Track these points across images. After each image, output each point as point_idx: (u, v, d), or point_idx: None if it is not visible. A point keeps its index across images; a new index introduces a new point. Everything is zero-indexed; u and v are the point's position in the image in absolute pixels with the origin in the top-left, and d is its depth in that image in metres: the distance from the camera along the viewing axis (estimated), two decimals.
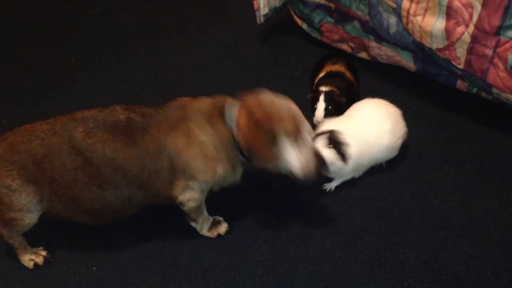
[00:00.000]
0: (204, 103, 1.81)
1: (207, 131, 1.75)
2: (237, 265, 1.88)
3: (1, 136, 1.80)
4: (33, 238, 1.98)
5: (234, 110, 1.75)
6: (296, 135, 1.70)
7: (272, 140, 1.68)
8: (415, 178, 2.08)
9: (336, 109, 2.12)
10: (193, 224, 1.94)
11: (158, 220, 2.04)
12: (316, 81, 2.26)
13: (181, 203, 1.82)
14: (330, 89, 2.14)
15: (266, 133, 1.68)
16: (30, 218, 1.80)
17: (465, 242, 1.86)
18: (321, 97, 2.12)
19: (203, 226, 1.94)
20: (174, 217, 2.03)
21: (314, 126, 2.16)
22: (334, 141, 1.91)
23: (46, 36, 3.10)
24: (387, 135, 2.00)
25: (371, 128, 1.99)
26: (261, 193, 2.10)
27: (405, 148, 2.19)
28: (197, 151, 1.74)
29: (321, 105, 2.12)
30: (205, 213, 1.93)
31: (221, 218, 1.99)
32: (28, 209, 1.77)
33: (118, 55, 2.89)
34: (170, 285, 1.85)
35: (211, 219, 1.96)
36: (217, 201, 2.05)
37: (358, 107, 2.08)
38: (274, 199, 2.08)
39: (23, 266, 1.94)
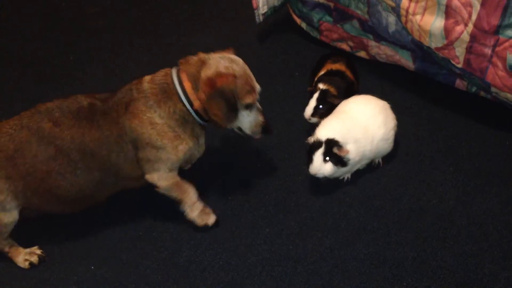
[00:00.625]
0: (144, 81, 1.83)
1: (155, 109, 1.78)
2: (235, 265, 1.88)
3: None
4: (31, 237, 1.98)
5: (179, 78, 1.79)
6: (254, 103, 1.82)
7: (233, 105, 1.77)
8: (413, 177, 2.08)
9: (328, 109, 2.12)
10: (181, 207, 1.92)
11: (156, 220, 2.04)
12: (316, 78, 2.26)
13: (154, 185, 1.85)
14: (326, 88, 2.14)
15: (226, 96, 1.73)
16: (8, 216, 1.80)
17: (464, 242, 1.86)
18: (315, 95, 2.13)
19: (193, 209, 1.92)
20: (173, 217, 2.03)
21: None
22: (330, 153, 1.92)
23: (44, 34, 3.09)
24: (381, 127, 2.01)
25: (365, 122, 1.99)
26: (259, 193, 2.10)
27: (404, 147, 2.19)
28: (152, 131, 1.78)
29: (312, 103, 2.13)
30: (192, 194, 1.91)
31: (211, 210, 1.98)
32: (3, 208, 1.78)
33: (117, 54, 2.88)
34: (168, 285, 1.85)
35: (201, 206, 1.94)
36: (216, 200, 2.05)
37: (348, 105, 2.08)
38: (273, 198, 2.08)
39: (19, 266, 1.94)
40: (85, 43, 2.99)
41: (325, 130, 1.96)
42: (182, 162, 1.87)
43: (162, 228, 2.02)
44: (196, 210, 1.94)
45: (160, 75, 1.84)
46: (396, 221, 1.95)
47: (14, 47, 3.03)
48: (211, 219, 1.96)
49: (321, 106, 2.12)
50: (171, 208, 2.04)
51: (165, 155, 1.81)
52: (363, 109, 2.04)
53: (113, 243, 1.99)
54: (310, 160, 1.96)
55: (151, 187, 1.87)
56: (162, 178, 1.84)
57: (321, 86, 2.14)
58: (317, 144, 1.94)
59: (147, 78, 1.85)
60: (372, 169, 2.11)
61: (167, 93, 1.79)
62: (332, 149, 1.92)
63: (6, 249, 1.90)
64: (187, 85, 1.78)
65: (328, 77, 2.19)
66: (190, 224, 1.99)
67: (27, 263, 1.92)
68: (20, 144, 1.75)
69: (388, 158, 2.14)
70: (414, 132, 2.25)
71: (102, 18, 3.17)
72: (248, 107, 1.82)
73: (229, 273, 1.86)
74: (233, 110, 1.78)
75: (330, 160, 1.93)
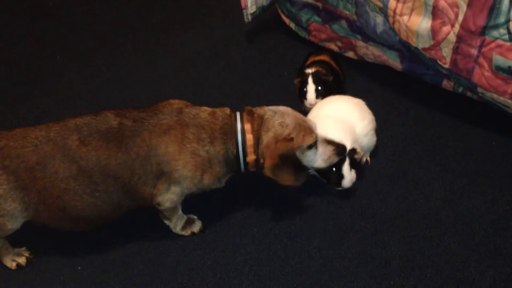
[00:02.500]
0: (204, 112, 1.79)
1: (204, 142, 1.74)
2: (223, 264, 1.88)
3: None
4: (16, 237, 1.96)
5: (242, 126, 1.78)
6: (315, 143, 1.82)
7: (295, 161, 1.79)
8: (400, 177, 2.09)
9: (326, 88, 2.13)
10: (166, 222, 1.93)
11: (144, 220, 2.03)
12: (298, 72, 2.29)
13: (159, 204, 1.82)
14: (315, 69, 2.16)
15: (288, 158, 1.76)
16: (13, 224, 1.77)
17: (450, 240, 1.87)
18: (310, 79, 2.13)
19: (177, 225, 1.94)
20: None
21: (304, 111, 2.18)
22: (354, 161, 1.92)
23: (31, 33, 3.06)
24: (360, 124, 2.02)
25: (352, 121, 2.00)
26: (247, 193, 2.10)
27: (391, 147, 2.20)
28: (188, 159, 1.73)
29: (311, 87, 2.13)
30: (180, 212, 1.93)
31: (195, 217, 1.99)
32: (11, 216, 1.74)
33: (105, 53, 2.86)
34: (156, 285, 1.84)
35: (185, 217, 1.95)
36: (204, 200, 2.04)
37: (330, 108, 2.05)
38: (261, 198, 2.08)
39: (4, 267, 1.92)
40: (72, 42, 2.96)
41: (346, 141, 1.92)
42: (194, 191, 1.84)
43: (150, 228, 2.00)
44: (179, 224, 1.94)
45: (223, 112, 1.81)
46: (383, 220, 1.96)
47: (0, 46, 3.00)
48: (196, 226, 1.96)
49: (319, 88, 2.13)
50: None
51: (188, 184, 1.78)
52: (343, 107, 2.04)
53: (100, 243, 1.97)
54: (338, 176, 1.92)
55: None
56: (171, 201, 1.81)
57: (309, 70, 2.17)
58: (341, 159, 1.90)
59: (206, 108, 1.81)
60: (359, 169, 2.12)
61: (225, 134, 1.77)
62: (354, 157, 1.92)
63: None
64: (249, 137, 1.77)
65: (313, 64, 2.22)
66: None
67: (14, 263, 1.90)
68: (43, 158, 1.69)
69: (376, 157, 2.16)
70: (401, 132, 2.26)
71: (89, 17, 3.15)
72: (310, 147, 1.81)
73: (217, 272, 1.86)
74: (299, 168, 1.81)
75: (352, 167, 1.93)
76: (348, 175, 1.92)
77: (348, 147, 1.90)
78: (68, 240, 1.99)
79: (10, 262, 1.91)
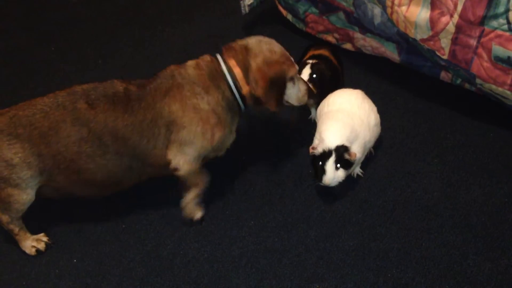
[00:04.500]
0: (189, 67, 1.84)
1: (201, 94, 1.79)
2: (220, 257, 1.87)
3: None
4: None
5: (227, 65, 1.82)
6: (295, 74, 1.88)
7: (283, 87, 1.85)
8: (398, 169, 2.08)
9: (321, 78, 2.14)
10: (185, 196, 1.90)
11: (140, 212, 2.02)
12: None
13: (176, 168, 1.82)
14: (314, 61, 2.17)
15: (277, 83, 1.81)
16: (28, 193, 1.78)
17: (448, 233, 1.87)
18: (307, 66, 2.15)
19: (191, 200, 1.91)
20: (157, 209, 2.01)
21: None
22: (341, 160, 1.87)
23: (25, 24, 3.03)
24: (371, 114, 2.02)
25: (359, 114, 1.98)
26: (244, 185, 2.09)
27: (389, 139, 2.20)
28: (193, 115, 1.78)
29: (306, 71, 2.14)
30: (201, 189, 1.90)
31: (202, 206, 1.97)
32: (26, 184, 1.76)
33: (100, 45, 2.84)
34: (152, 277, 1.84)
35: (199, 200, 1.94)
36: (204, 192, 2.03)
37: (334, 103, 2.04)
38: (258, 190, 2.07)
39: (0, 260, 1.90)
40: (67, 34, 2.94)
41: (332, 137, 1.89)
42: (211, 151, 1.86)
43: (146, 220, 2.00)
44: (192, 201, 1.93)
45: (205, 60, 1.85)
46: (381, 212, 1.95)
47: None
48: (198, 214, 1.95)
49: (314, 76, 2.13)
50: (155, 200, 2.02)
51: (200, 141, 1.80)
52: (350, 101, 2.02)
53: (96, 236, 1.96)
54: (321, 171, 1.87)
55: (171, 176, 1.85)
56: (187, 162, 1.82)
57: (309, 61, 2.18)
58: (327, 154, 1.87)
59: (191, 63, 1.86)
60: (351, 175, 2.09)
61: (215, 79, 1.81)
62: (343, 155, 1.86)
63: (16, 230, 1.88)
64: (237, 71, 1.81)
65: (313, 59, 2.21)
66: (175, 216, 1.98)
67: (33, 249, 1.91)
68: (55, 123, 1.73)
69: (373, 150, 2.15)
70: (399, 124, 2.25)
71: (84, 8, 3.12)
72: (291, 79, 1.87)
73: (214, 265, 1.85)
74: (283, 92, 1.86)
75: (341, 166, 1.88)
76: (331, 172, 1.86)
77: (336, 143, 1.86)
78: (63, 233, 1.98)
79: (30, 248, 1.91)
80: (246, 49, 1.82)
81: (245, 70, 1.81)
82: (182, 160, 1.81)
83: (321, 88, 2.15)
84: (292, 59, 1.88)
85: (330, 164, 1.87)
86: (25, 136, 1.72)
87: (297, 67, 1.89)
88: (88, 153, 1.76)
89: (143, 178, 1.90)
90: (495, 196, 1.96)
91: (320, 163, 1.88)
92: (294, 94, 1.91)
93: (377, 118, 2.04)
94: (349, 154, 1.88)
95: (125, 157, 1.79)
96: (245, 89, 1.82)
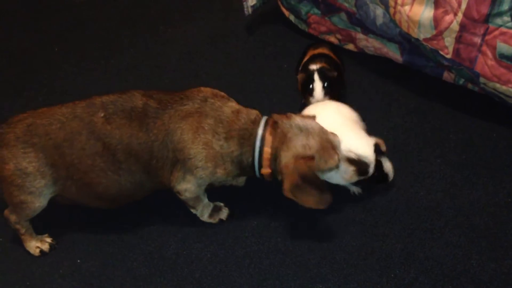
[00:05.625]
0: (228, 107, 1.75)
1: (219, 136, 1.72)
2: (223, 257, 1.87)
3: (14, 117, 1.79)
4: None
5: (263, 138, 1.72)
6: (337, 163, 1.74)
7: (320, 186, 1.71)
8: (401, 169, 2.08)
9: (331, 85, 2.11)
10: (193, 210, 1.93)
11: (143, 213, 2.02)
12: (301, 67, 2.25)
13: (178, 193, 1.82)
14: (320, 65, 2.12)
15: (311, 182, 1.68)
16: (41, 201, 1.79)
17: (451, 233, 1.87)
18: (316, 76, 2.09)
19: (204, 213, 1.93)
20: (161, 209, 2.01)
21: (303, 103, 2.17)
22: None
23: (28, 25, 3.04)
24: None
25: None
26: (247, 185, 2.09)
27: (391, 139, 2.19)
28: (200, 149, 1.72)
29: (318, 85, 2.09)
30: (205, 200, 1.92)
31: (221, 204, 1.98)
32: (40, 193, 1.76)
33: (102, 45, 2.84)
34: (155, 278, 1.84)
35: (211, 205, 1.95)
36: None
37: (339, 115, 2.00)
38: (261, 191, 2.07)
39: (4, 259, 1.91)
40: (70, 34, 2.94)
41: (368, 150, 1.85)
42: (213, 182, 1.83)
43: (149, 221, 2.00)
44: (206, 212, 1.93)
45: (248, 116, 1.74)
46: (384, 213, 1.95)
47: None
48: (223, 213, 1.96)
49: (325, 85, 2.10)
50: (158, 200, 2.02)
51: (200, 174, 1.76)
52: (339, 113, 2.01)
53: (99, 236, 1.97)
54: (383, 175, 1.88)
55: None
56: (189, 190, 1.80)
57: (313, 67, 2.13)
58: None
59: (233, 104, 1.77)
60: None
61: (243, 138, 1.72)
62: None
63: (22, 231, 1.88)
64: (266, 151, 1.71)
65: (314, 59, 2.19)
66: (178, 217, 1.98)
67: (38, 250, 1.91)
68: (70, 134, 1.72)
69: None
70: (401, 124, 2.25)
71: (87, 9, 3.12)
72: (331, 169, 1.76)
73: (217, 266, 1.85)
74: (322, 187, 1.71)
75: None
76: (390, 169, 1.89)
77: (371, 157, 1.83)
78: (67, 233, 1.98)
79: (34, 249, 1.91)
80: (285, 136, 1.70)
81: (274, 156, 1.71)
82: (184, 187, 1.79)
83: (334, 90, 2.14)
84: (334, 146, 1.72)
85: (387, 164, 1.88)
86: (40, 145, 1.72)
87: (339, 155, 1.74)
88: (101, 168, 1.74)
89: (154, 190, 1.90)
90: (498, 196, 1.96)
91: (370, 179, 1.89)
92: (338, 177, 1.85)
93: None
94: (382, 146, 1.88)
95: (137, 174, 1.77)
96: (265, 170, 1.74)
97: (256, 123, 1.75)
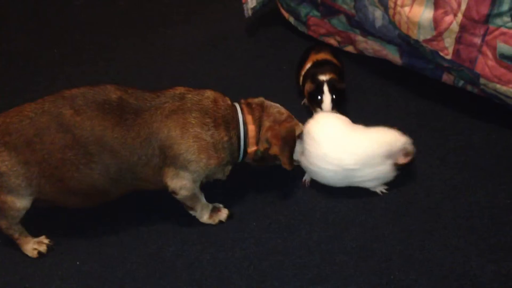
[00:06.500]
0: (206, 99, 1.81)
1: (208, 126, 1.76)
2: (223, 259, 1.87)
3: None
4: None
5: (244, 118, 1.85)
6: (302, 129, 1.94)
7: (294, 145, 1.89)
8: (400, 171, 2.08)
9: (339, 97, 2.11)
10: (192, 212, 1.93)
11: (143, 214, 2.02)
12: (303, 72, 2.25)
13: (174, 192, 1.82)
14: (330, 77, 2.11)
15: (289, 141, 1.85)
16: (21, 201, 1.77)
17: (451, 235, 1.87)
18: (325, 88, 2.09)
19: (203, 214, 1.93)
20: (160, 211, 2.01)
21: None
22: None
23: (28, 27, 3.04)
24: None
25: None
26: (246, 187, 2.09)
27: None
28: (191, 143, 1.74)
29: (327, 97, 2.09)
30: (203, 200, 1.92)
31: (221, 205, 1.98)
32: (18, 192, 1.75)
33: (102, 47, 2.84)
34: (155, 279, 1.83)
35: (210, 206, 1.95)
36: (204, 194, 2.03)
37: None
38: (260, 192, 2.07)
39: (3, 261, 1.90)
40: (69, 36, 2.95)
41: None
42: (205, 176, 1.85)
43: (149, 222, 1.99)
44: (205, 214, 1.93)
45: (225, 102, 1.85)
46: (384, 214, 1.95)
47: None
48: (223, 214, 1.96)
49: (334, 96, 2.09)
50: (157, 202, 2.02)
51: (195, 167, 1.77)
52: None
53: (99, 238, 1.96)
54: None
55: (166, 191, 1.84)
56: (185, 187, 1.80)
57: (322, 77, 2.11)
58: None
59: (209, 94, 1.83)
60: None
61: (228, 123, 1.81)
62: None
63: (16, 235, 1.87)
64: (251, 128, 1.84)
65: (320, 68, 2.17)
66: (177, 218, 1.98)
67: (35, 252, 1.90)
68: (40, 129, 1.70)
69: None
70: (401, 126, 2.23)
71: (87, 11, 3.12)
72: (298, 137, 1.92)
73: (216, 267, 1.85)
74: (294, 150, 1.89)
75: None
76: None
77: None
78: (66, 235, 1.98)
79: (32, 251, 1.91)
80: (262, 107, 1.87)
81: (259, 128, 1.85)
82: (179, 184, 1.79)
83: (341, 101, 2.15)
84: (295, 118, 1.94)
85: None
86: (11, 144, 1.70)
87: (301, 125, 1.95)
88: (72, 161, 1.72)
89: (132, 190, 1.88)
90: (497, 198, 1.96)
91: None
92: (299, 151, 1.95)
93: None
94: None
95: (112, 169, 1.75)
96: (251, 148, 1.86)
97: (233, 107, 1.87)
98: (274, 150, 1.83)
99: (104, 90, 1.75)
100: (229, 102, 1.87)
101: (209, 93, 1.84)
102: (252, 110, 1.86)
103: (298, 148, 1.95)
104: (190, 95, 1.80)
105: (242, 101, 1.91)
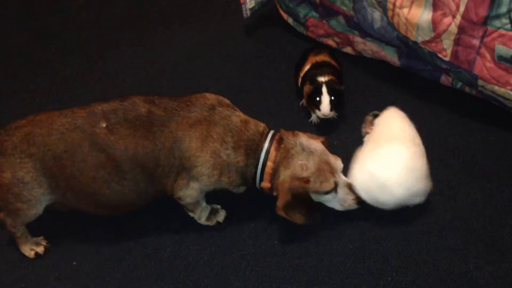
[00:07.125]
0: (236, 116, 1.77)
1: (227, 145, 1.72)
2: (220, 260, 1.87)
3: (12, 123, 1.76)
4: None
5: (268, 151, 1.75)
6: (335, 188, 1.78)
7: (309, 202, 1.76)
8: None
9: (338, 99, 2.11)
10: (190, 214, 1.92)
11: (140, 214, 2.01)
12: (302, 74, 2.25)
13: (179, 198, 1.82)
14: (329, 78, 2.11)
15: (300, 199, 1.72)
16: (37, 209, 1.77)
17: (448, 236, 1.87)
18: (324, 89, 2.08)
19: (201, 216, 1.93)
20: (158, 212, 2.01)
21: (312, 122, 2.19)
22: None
23: (25, 26, 3.03)
24: None
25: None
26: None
27: None
28: (208, 158, 1.72)
29: (326, 98, 2.08)
30: (203, 204, 1.92)
31: (218, 206, 1.98)
32: (37, 201, 1.75)
33: (101, 47, 2.84)
34: (152, 280, 1.83)
35: (208, 208, 1.94)
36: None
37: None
38: (258, 193, 2.06)
39: (0, 262, 1.90)
40: (67, 35, 2.94)
41: None
42: (215, 188, 1.84)
43: (146, 223, 1.99)
44: (204, 216, 1.93)
45: (256, 127, 1.78)
46: (381, 216, 1.94)
47: None
48: (220, 216, 1.96)
49: (333, 98, 2.09)
50: (155, 202, 2.02)
51: (206, 181, 1.76)
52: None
53: (96, 239, 1.96)
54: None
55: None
56: (191, 196, 1.80)
57: (321, 79, 2.11)
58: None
59: (241, 114, 1.79)
60: None
61: (250, 149, 1.75)
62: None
63: (18, 234, 1.87)
64: (269, 165, 1.75)
65: (319, 69, 2.17)
66: (175, 219, 1.98)
67: (32, 252, 1.90)
68: (71, 146, 1.68)
69: None
70: None
71: (85, 10, 3.12)
72: (328, 192, 1.78)
73: (213, 268, 1.85)
74: (311, 207, 1.77)
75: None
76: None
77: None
78: (63, 235, 1.98)
79: (29, 251, 1.91)
80: (287, 153, 1.74)
81: (275, 171, 1.75)
82: (187, 193, 1.79)
83: (339, 103, 2.15)
84: (332, 170, 1.75)
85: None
86: (38, 156, 1.69)
87: (335, 180, 1.77)
88: (105, 179, 1.72)
89: (155, 198, 1.88)
90: (495, 200, 1.96)
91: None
92: (336, 203, 1.84)
93: None
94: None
95: (141, 183, 1.75)
96: (265, 184, 1.78)
97: (263, 135, 1.77)
98: (280, 203, 1.74)
99: (133, 105, 1.72)
100: (260, 129, 1.78)
101: (240, 113, 1.80)
102: (279, 148, 1.75)
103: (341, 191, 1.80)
104: (220, 108, 1.76)
105: (282, 131, 1.80)
